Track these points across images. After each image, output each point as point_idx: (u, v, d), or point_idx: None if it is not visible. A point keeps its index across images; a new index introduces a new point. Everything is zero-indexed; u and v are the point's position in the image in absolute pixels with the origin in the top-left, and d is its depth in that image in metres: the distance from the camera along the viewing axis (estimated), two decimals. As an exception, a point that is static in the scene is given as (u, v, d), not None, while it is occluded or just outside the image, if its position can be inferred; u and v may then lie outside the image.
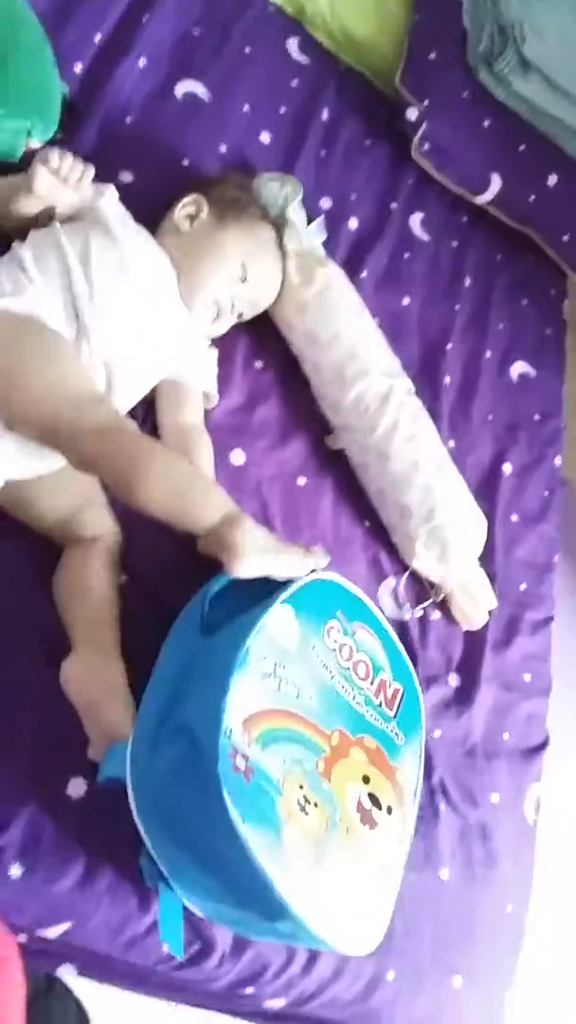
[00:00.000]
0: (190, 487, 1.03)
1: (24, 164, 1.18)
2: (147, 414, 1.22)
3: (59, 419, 0.98)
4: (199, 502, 1.02)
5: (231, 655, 0.86)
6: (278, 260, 1.32)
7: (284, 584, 1.00)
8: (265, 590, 0.99)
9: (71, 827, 0.97)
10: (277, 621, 0.93)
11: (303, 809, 0.82)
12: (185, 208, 1.26)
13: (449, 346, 1.61)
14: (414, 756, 0.99)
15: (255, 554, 1.00)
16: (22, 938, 0.99)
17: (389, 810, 0.90)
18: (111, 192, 1.21)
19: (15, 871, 0.93)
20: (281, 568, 1.02)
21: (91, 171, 1.13)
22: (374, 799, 0.88)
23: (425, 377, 1.53)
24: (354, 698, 0.93)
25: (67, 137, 1.28)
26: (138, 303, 1.13)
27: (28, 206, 1.13)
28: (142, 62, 1.42)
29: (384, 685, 0.98)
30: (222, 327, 1.28)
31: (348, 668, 0.95)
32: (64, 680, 0.98)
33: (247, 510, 1.24)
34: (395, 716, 0.97)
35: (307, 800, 0.82)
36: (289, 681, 0.87)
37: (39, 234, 1.12)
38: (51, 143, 1.23)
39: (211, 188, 1.29)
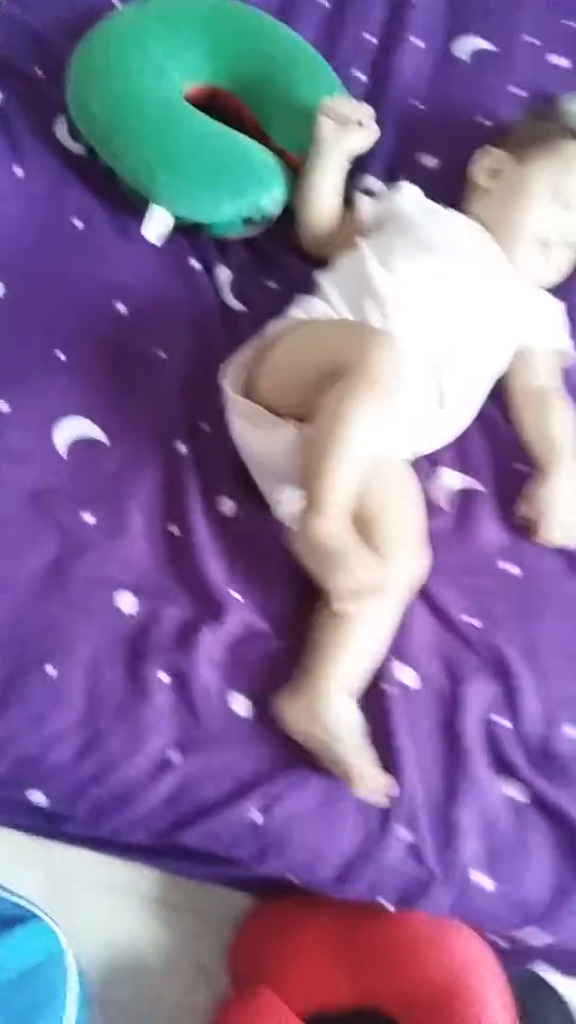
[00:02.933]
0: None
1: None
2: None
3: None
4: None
5: None
6: None
7: None
8: None
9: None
10: None
11: None
12: (481, 165, 1.20)
13: None
14: None
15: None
16: (502, 942, 0.99)
17: None
18: (408, 187, 1.20)
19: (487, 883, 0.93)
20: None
21: (368, 108, 1.18)
22: None
23: None
24: None
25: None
26: (453, 278, 1.08)
27: (323, 167, 1.16)
28: (418, 42, 1.37)
29: None
30: (558, 266, 1.18)
31: None
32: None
33: None
34: None
35: None
36: None
37: (343, 256, 1.13)
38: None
39: (506, 134, 1.23)
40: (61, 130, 1.23)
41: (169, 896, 1.07)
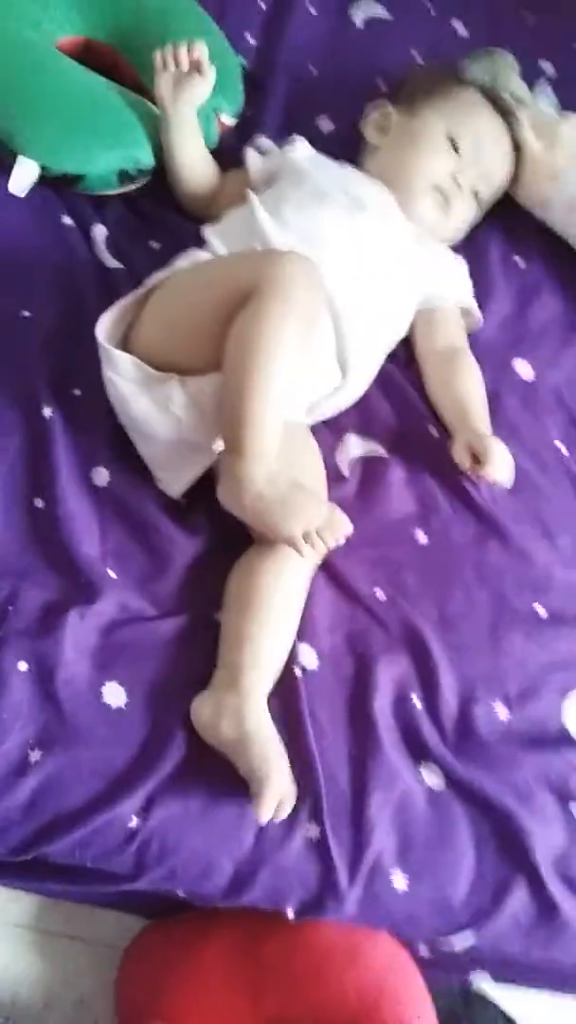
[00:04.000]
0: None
1: (222, 146, 1.16)
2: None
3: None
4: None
5: None
6: (494, 119, 1.15)
7: None
8: None
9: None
10: None
11: None
12: (371, 122, 1.16)
13: None
14: None
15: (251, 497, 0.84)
16: (424, 950, 0.88)
17: None
18: (300, 142, 1.14)
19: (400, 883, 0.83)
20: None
21: (202, 47, 1.07)
22: None
23: None
24: None
25: (256, 106, 1.23)
26: (349, 228, 1.02)
27: (172, 125, 1.08)
28: (311, 9, 1.34)
29: None
30: (459, 217, 1.13)
31: None
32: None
33: (552, 424, 1.12)
34: None
35: None
36: None
37: (232, 211, 1.06)
38: (242, 117, 1.19)
39: (396, 91, 1.18)
40: None
41: (45, 922, 0.94)
